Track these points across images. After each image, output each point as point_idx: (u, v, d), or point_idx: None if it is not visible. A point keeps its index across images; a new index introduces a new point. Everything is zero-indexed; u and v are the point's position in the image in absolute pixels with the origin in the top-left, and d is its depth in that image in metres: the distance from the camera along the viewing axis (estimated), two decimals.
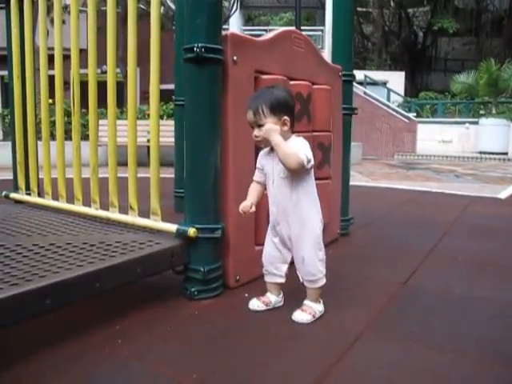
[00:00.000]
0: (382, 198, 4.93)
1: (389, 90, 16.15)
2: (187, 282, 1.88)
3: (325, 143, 2.59)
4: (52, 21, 2.46)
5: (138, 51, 2.06)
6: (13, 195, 2.85)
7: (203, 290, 1.85)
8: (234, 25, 15.47)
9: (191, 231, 1.79)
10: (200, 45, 1.72)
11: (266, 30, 14.61)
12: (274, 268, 1.77)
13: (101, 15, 2.33)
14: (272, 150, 1.67)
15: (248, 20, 22.15)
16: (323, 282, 1.72)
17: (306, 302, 1.73)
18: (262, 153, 1.78)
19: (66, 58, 2.40)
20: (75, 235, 2.01)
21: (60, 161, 2.51)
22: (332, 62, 2.95)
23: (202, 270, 1.82)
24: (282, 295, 1.83)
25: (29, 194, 2.78)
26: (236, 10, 13.98)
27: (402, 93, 17.87)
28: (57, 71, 2.45)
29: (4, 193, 2.90)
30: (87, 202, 2.34)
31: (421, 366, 1.39)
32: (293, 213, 1.69)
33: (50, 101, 2.71)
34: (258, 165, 1.78)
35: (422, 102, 17.12)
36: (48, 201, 2.59)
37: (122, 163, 2.14)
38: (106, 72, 2.13)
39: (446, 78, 20.07)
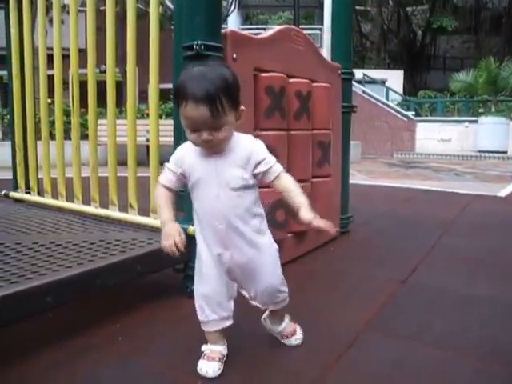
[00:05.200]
0: (382, 197, 4.93)
1: (387, 89, 16.15)
2: (187, 280, 1.87)
3: (324, 141, 2.59)
4: (51, 20, 2.46)
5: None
6: (12, 194, 2.85)
7: None
8: (232, 24, 15.46)
9: (191, 229, 1.79)
10: (200, 42, 1.72)
11: (264, 29, 14.58)
12: (222, 309, 1.33)
13: (99, 15, 2.33)
14: (215, 153, 1.23)
15: (246, 19, 22.14)
16: (288, 297, 1.43)
17: (277, 326, 1.47)
18: (188, 151, 1.27)
19: (65, 57, 2.41)
20: (75, 233, 2.01)
21: (59, 160, 2.51)
22: (331, 60, 2.95)
23: None
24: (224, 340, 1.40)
25: (28, 193, 2.79)
26: (234, 9, 14.00)
27: (401, 91, 17.88)
28: (56, 71, 2.45)
29: (3, 192, 2.90)
30: (87, 201, 2.35)
31: (420, 363, 1.40)
32: (246, 233, 1.28)
33: (49, 100, 2.72)
34: (174, 167, 1.28)
35: (421, 100, 17.11)
36: (47, 199, 2.60)
37: (121, 162, 2.14)
38: (104, 71, 2.13)
39: (445, 76, 20.08)
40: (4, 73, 2.91)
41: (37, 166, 2.75)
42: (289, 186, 1.29)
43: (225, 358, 1.35)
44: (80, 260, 1.61)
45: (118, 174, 2.19)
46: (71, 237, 1.95)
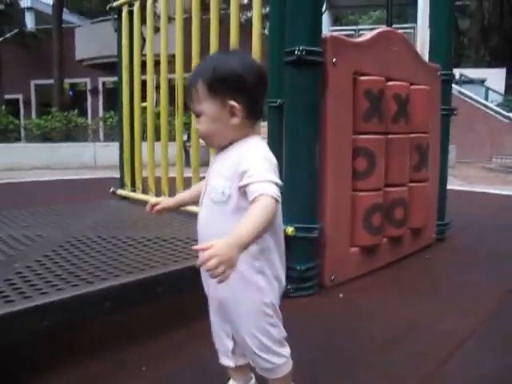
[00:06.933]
0: (480, 203, 4.66)
1: (487, 89, 15.17)
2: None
3: (423, 145, 2.51)
4: (157, 30, 2.64)
5: None
6: (119, 191, 3.09)
7: (299, 288, 1.89)
8: (323, 25, 15.39)
9: (289, 230, 1.84)
10: (301, 48, 1.76)
11: (354, 30, 14.36)
12: (219, 341, 1.14)
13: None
14: (219, 154, 1.06)
15: (336, 20, 21.93)
16: (288, 367, 1.08)
17: None
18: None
19: (168, 63, 2.58)
20: (178, 230, 2.14)
21: (164, 160, 2.68)
22: (429, 60, 2.85)
23: (299, 268, 1.85)
24: (252, 378, 1.19)
25: (134, 191, 3.00)
26: (325, 10, 13.91)
27: (503, 91, 16.67)
28: (162, 76, 2.62)
29: (112, 189, 3.15)
30: None
31: None
32: None
33: (143, 104, 2.89)
34: None
35: None
36: (151, 197, 2.78)
37: None
38: None
39: None
40: (107, 79, 3.16)
41: (141, 165, 2.95)
42: (249, 212, 0.90)
43: None
44: (185, 255, 1.72)
45: None
46: (174, 233, 2.07)
